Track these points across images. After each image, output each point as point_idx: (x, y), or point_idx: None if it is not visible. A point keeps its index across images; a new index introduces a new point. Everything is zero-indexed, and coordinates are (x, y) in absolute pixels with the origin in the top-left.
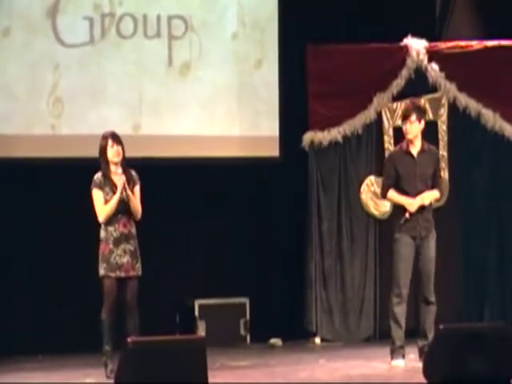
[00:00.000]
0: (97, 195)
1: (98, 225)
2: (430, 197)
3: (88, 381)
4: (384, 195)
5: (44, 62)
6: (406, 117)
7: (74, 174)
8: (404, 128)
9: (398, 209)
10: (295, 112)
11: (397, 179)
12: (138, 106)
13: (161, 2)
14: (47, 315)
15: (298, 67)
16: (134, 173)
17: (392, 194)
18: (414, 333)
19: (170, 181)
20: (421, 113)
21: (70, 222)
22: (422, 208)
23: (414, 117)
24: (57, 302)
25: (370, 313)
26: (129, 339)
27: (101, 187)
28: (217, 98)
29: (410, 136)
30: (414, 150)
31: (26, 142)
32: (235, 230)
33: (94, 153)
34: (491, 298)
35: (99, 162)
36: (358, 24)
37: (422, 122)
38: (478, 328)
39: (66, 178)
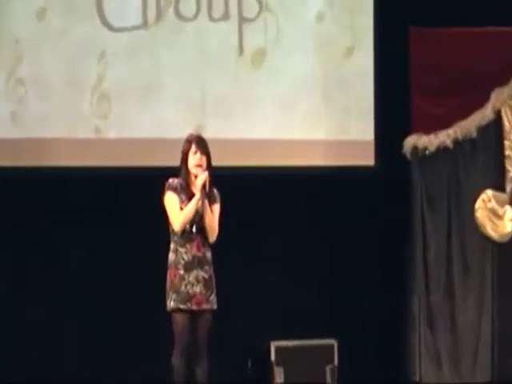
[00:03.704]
0: (171, 199)
1: (166, 244)
2: None
3: None
4: None
5: (87, 50)
6: None
7: (123, 187)
8: None
9: None
10: (394, 111)
11: None
12: (201, 104)
13: None
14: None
15: (398, 56)
16: (215, 190)
17: None
18: None
19: (240, 196)
20: None
21: (121, 245)
22: None
23: None
24: (115, 340)
25: (486, 359)
26: None
27: (176, 191)
28: (298, 94)
29: None
30: None
31: (65, 147)
32: (319, 256)
33: (148, 161)
34: None
35: (156, 172)
36: (471, 4)
37: None
38: None
39: (113, 192)
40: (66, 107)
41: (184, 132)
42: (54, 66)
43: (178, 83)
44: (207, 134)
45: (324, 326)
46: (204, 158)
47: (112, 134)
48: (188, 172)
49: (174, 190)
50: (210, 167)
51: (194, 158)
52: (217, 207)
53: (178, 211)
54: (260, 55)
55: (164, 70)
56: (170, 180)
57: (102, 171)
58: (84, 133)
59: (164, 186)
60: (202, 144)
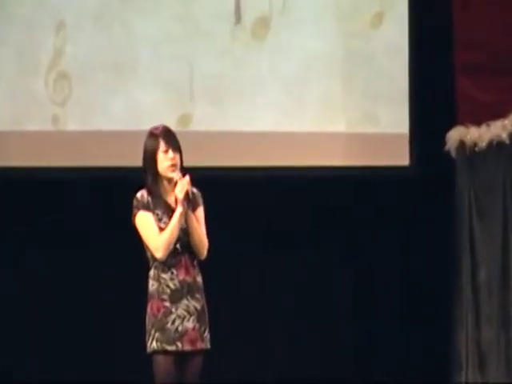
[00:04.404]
0: (145, 219)
1: (144, 271)
2: None
3: None
4: None
5: (41, 18)
6: None
7: (88, 193)
8: None
9: None
10: (435, 96)
11: None
12: (187, 87)
13: None
14: None
15: (438, 26)
16: (195, 190)
17: None
18: None
19: (236, 204)
20: None
21: (86, 269)
22: None
23: None
24: None
25: None
26: None
27: (149, 208)
28: (311, 75)
29: None
30: None
31: (13, 142)
32: (338, 281)
33: (119, 160)
34: None
35: (130, 174)
36: None
37: None
38: None
39: (76, 199)
40: (13, 91)
41: (166, 122)
42: (1, 39)
43: (156, 61)
44: (195, 126)
45: (346, 370)
46: (178, 157)
47: (73, 125)
48: (159, 177)
49: (146, 207)
50: (182, 167)
51: (166, 158)
52: (201, 211)
53: (157, 234)
54: (262, 25)
55: (139, 43)
56: (138, 195)
57: (57, 172)
58: (37, 124)
59: (132, 203)
60: (172, 138)
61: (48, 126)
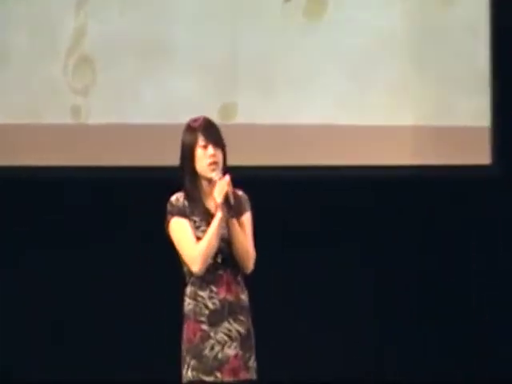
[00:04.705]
0: (180, 227)
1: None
2: None
3: None
4: None
5: None
6: None
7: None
8: None
9: None
10: None
11: None
12: (229, 74)
13: None
14: None
15: None
16: (241, 193)
17: None
18: None
19: (285, 205)
20: None
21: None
22: None
23: None
24: None
25: None
26: None
27: (185, 214)
28: (374, 60)
29: None
30: None
31: (28, 137)
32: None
33: (149, 159)
34: None
35: (163, 175)
36: None
37: None
38: None
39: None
40: (27, 78)
41: (206, 113)
42: (13, 18)
43: (194, 42)
44: (239, 118)
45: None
46: (219, 154)
47: (96, 118)
48: (197, 178)
49: (182, 213)
50: (225, 164)
51: (206, 155)
52: (247, 218)
53: (193, 244)
54: (317, 3)
55: (174, 21)
56: (173, 199)
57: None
58: (55, 116)
59: (166, 208)
60: (212, 132)
61: (67, 119)
